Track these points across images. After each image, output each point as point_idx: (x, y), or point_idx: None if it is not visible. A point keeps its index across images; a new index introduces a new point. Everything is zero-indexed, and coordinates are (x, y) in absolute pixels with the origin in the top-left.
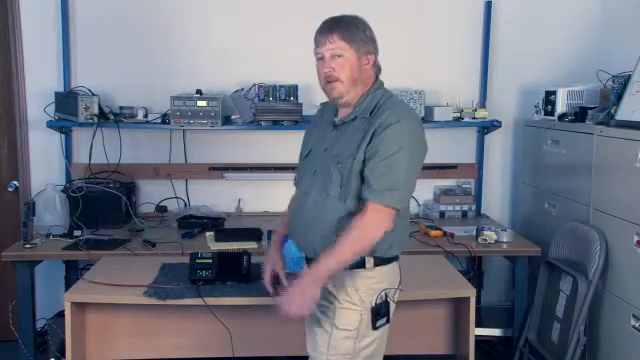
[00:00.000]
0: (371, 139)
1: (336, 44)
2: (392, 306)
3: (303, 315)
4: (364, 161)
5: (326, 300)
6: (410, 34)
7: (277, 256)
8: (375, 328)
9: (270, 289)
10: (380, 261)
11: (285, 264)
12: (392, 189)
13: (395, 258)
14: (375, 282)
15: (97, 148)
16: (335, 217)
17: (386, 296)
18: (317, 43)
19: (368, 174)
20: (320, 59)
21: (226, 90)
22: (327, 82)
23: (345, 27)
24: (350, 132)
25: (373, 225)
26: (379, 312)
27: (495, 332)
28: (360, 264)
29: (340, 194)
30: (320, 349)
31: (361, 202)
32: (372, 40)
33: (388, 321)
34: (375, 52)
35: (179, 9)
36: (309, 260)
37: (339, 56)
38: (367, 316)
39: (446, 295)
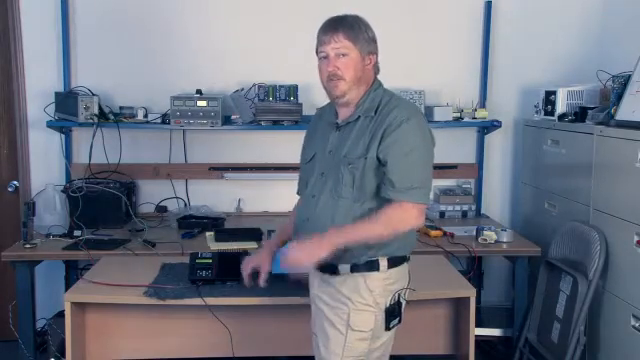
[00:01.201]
0: (382, 138)
1: (341, 43)
2: (403, 306)
3: (302, 265)
4: (378, 160)
5: (339, 302)
6: (410, 34)
7: (267, 257)
8: (388, 328)
9: (246, 280)
10: (393, 262)
11: (275, 266)
12: (416, 187)
13: (406, 258)
14: (389, 283)
15: (97, 148)
16: (348, 218)
17: (399, 296)
18: (321, 42)
19: (388, 174)
20: (324, 58)
21: (226, 90)
22: (329, 80)
23: (350, 27)
24: (356, 132)
25: (401, 220)
26: (393, 313)
27: (495, 332)
28: (374, 266)
29: (354, 195)
30: (335, 351)
31: (380, 201)
32: (374, 41)
33: (400, 321)
34: (376, 52)
35: (179, 9)
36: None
37: (344, 55)
38: (381, 317)
39: (446, 295)
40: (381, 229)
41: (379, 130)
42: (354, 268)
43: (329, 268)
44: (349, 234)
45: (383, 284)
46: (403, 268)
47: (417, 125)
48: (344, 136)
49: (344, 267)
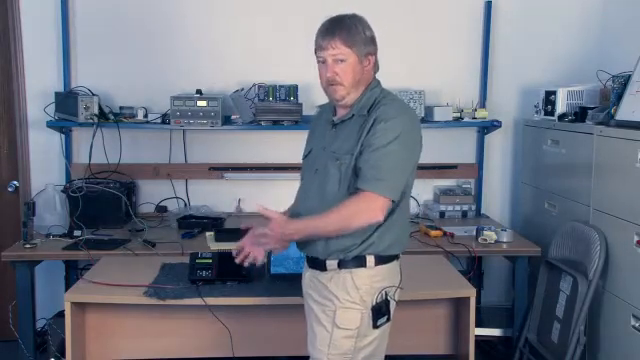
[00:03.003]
0: (368, 134)
1: (338, 49)
2: (392, 304)
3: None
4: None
5: (326, 299)
6: (411, 34)
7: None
8: (376, 327)
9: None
10: (380, 260)
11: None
12: (381, 178)
13: (395, 257)
14: (376, 281)
15: (97, 148)
16: None
17: (386, 294)
18: (319, 47)
19: (360, 165)
20: (322, 63)
21: (226, 90)
22: (329, 84)
23: (347, 30)
24: (348, 130)
25: (361, 211)
26: (380, 311)
27: (495, 332)
28: (361, 263)
29: (338, 190)
30: (320, 348)
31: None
32: (372, 40)
33: (389, 319)
34: (375, 52)
35: (179, 9)
36: (310, 259)
37: (342, 61)
38: (368, 315)
39: (446, 295)
40: (337, 218)
41: (367, 127)
42: (341, 264)
43: (317, 264)
44: (313, 226)
45: (370, 281)
46: (392, 266)
47: (401, 122)
48: (338, 134)
49: (332, 263)
